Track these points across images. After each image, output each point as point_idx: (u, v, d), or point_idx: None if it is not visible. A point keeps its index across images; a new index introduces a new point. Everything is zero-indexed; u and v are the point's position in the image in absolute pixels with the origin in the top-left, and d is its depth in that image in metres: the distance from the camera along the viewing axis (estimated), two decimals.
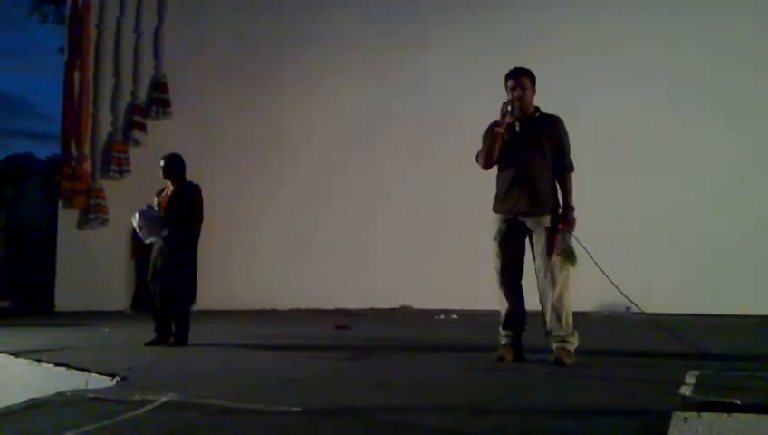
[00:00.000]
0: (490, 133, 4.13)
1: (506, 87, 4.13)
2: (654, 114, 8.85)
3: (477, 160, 4.19)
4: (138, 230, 5.47)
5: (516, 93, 4.06)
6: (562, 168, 4.06)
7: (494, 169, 4.21)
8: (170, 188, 5.59)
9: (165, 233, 5.39)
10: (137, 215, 5.45)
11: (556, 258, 3.93)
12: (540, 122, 4.11)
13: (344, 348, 5.09)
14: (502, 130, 4.05)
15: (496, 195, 4.18)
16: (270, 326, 7.73)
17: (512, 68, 4.16)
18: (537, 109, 4.17)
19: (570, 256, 3.93)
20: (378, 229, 10.24)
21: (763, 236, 8.20)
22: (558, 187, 4.09)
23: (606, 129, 8.62)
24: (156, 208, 5.49)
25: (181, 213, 5.48)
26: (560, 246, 3.92)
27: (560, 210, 4.04)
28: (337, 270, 10.12)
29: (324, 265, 10.28)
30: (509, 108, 4.04)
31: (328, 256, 10.36)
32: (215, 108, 11.30)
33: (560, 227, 3.96)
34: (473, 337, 6.00)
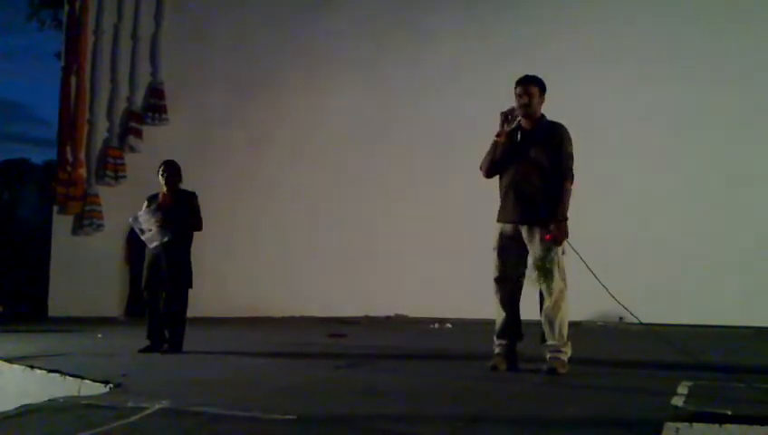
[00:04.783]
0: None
1: (515, 93, 4.16)
2: (651, 124, 8.89)
3: (481, 169, 4.22)
4: (140, 233, 5.46)
5: (522, 100, 4.09)
6: (561, 176, 4.05)
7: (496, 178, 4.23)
8: (164, 194, 5.57)
9: (167, 238, 5.39)
10: (141, 216, 5.44)
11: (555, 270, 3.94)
12: (543, 130, 4.13)
13: (339, 356, 5.08)
14: (500, 139, 4.07)
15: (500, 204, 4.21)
16: (264, 334, 7.71)
17: (522, 75, 4.19)
18: (542, 116, 4.19)
19: (545, 274, 3.87)
20: (374, 237, 10.24)
21: (757, 247, 8.23)
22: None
23: (603, 137, 8.65)
24: (157, 212, 5.48)
25: (180, 220, 5.48)
26: (540, 260, 3.90)
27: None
28: (332, 278, 10.10)
29: (319, 272, 10.27)
30: (508, 117, 4.06)
31: (323, 264, 10.35)
32: (211, 114, 11.31)
33: (546, 237, 3.92)
34: (467, 346, 6.00)
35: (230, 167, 11.04)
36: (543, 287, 3.95)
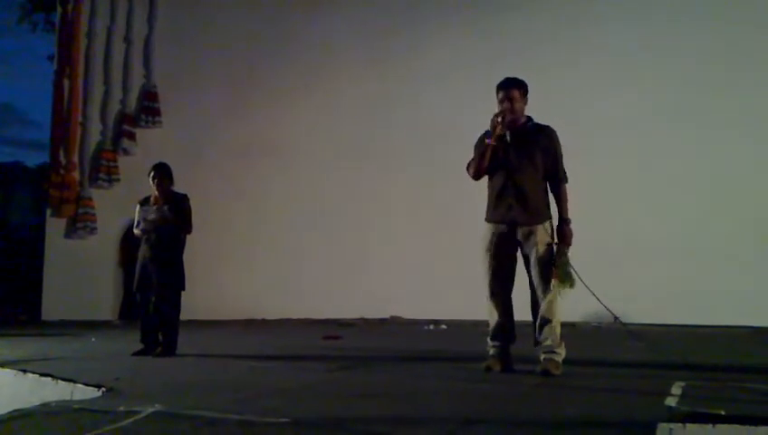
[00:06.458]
0: (481, 144, 4.16)
1: (497, 98, 4.15)
2: (646, 125, 8.92)
3: (468, 171, 4.20)
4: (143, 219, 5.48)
5: (505, 105, 4.08)
6: (556, 179, 4.07)
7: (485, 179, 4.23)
8: (156, 196, 5.55)
9: (166, 214, 5.40)
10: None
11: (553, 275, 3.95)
12: (531, 132, 4.13)
13: (333, 358, 5.07)
14: (493, 143, 4.07)
15: (488, 205, 4.19)
16: (259, 336, 7.70)
17: (502, 79, 4.19)
18: (529, 118, 4.18)
19: (566, 278, 3.93)
20: (369, 239, 10.24)
21: (749, 247, 8.27)
22: (552, 198, 4.11)
23: (593, 139, 8.68)
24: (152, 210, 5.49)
25: (173, 222, 5.46)
26: (557, 266, 3.93)
27: (554, 222, 4.05)
28: (327, 280, 10.10)
29: (314, 274, 10.27)
30: (499, 120, 4.06)
31: (318, 266, 10.35)
32: (205, 116, 11.30)
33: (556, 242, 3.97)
34: (461, 347, 6.00)
35: (224, 169, 11.03)
36: (561, 289, 3.96)
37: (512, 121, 4.10)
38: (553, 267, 3.94)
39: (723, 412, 2.53)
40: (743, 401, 3.03)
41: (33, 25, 17.52)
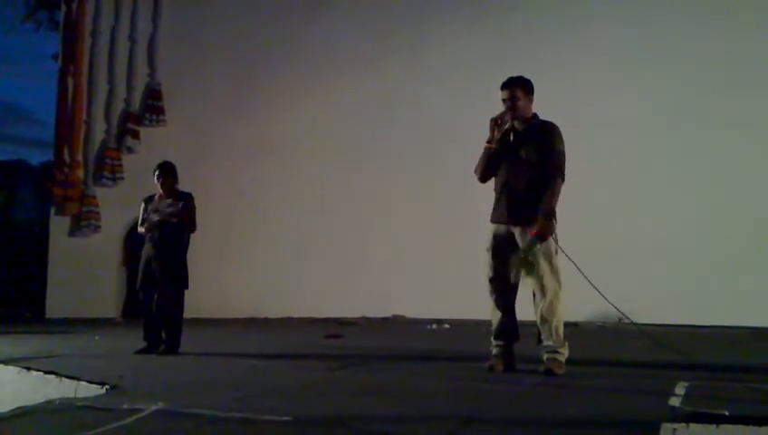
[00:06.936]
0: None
1: (501, 98, 4.14)
2: (644, 124, 8.91)
3: (475, 173, 4.21)
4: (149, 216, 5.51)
5: (507, 104, 4.07)
6: (551, 173, 3.97)
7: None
8: (161, 195, 5.57)
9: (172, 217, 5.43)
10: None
11: (547, 267, 3.91)
12: (534, 131, 4.09)
13: (335, 357, 5.08)
14: (492, 146, 4.07)
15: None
16: (261, 335, 7.71)
17: (505, 79, 4.16)
18: (534, 115, 4.14)
19: (528, 269, 3.84)
20: (371, 238, 10.25)
21: (753, 248, 8.26)
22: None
23: (598, 139, 8.67)
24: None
25: (177, 220, 5.48)
26: (522, 252, 3.87)
27: (556, 223, 3.99)
28: (329, 279, 10.11)
29: (317, 273, 10.28)
30: (498, 122, 4.05)
31: (320, 265, 10.36)
32: (208, 115, 11.32)
33: (530, 233, 3.88)
34: (464, 347, 6.00)
35: (227, 168, 11.05)
36: (531, 282, 3.92)
37: (517, 120, 4.09)
38: (518, 254, 3.89)
39: (726, 413, 2.53)
40: (746, 401, 3.03)
41: (37, 24, 17.56)
